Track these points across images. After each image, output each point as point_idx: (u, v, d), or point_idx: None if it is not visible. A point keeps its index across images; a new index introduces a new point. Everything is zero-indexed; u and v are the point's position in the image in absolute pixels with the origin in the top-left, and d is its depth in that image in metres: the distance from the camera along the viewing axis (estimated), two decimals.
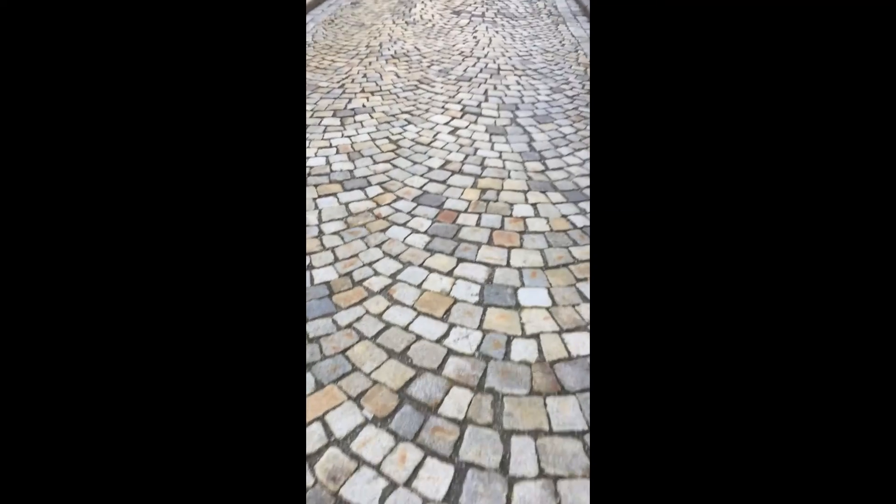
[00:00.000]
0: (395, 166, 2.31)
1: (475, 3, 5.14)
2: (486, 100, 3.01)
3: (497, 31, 4.28)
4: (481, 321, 1.49)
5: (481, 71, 3.44)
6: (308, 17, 4.83)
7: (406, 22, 4.57)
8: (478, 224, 1.92)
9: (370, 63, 3.61)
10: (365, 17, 4.77)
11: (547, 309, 1.54)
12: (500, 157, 2.40)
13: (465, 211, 1.99)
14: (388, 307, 1.54)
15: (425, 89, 3.16)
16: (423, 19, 4.64)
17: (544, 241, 1.83)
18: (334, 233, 1.87)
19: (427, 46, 3.93)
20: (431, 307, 1.54)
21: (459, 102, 2.97)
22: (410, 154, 2.41)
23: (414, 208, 2.01)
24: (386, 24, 4.51)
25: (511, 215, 1.97)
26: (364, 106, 2.94)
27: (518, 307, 1.54)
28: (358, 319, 1.49)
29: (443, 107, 2.91)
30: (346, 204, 2.04)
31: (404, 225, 1.91)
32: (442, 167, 2.30)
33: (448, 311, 1.52)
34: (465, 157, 2.38)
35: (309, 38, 4.20)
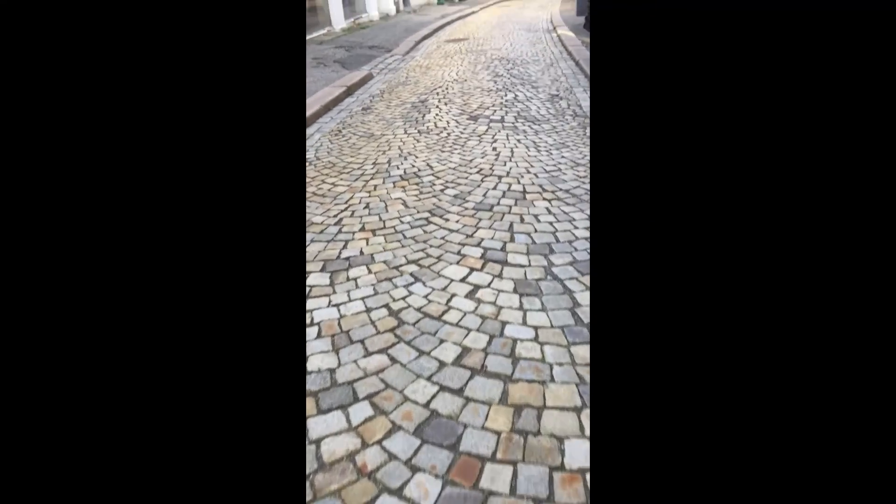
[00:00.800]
0: (393, 360, 1.70)
1: (493, 105, 4.78)
2: (512, 239, 2.44)
3: (519, 140, 3.84)
4: None
5: (504, 195, 2.91)
6: (315, 127, 4.51)
7: (419, 131, 4.19)
8: (513, 490, 1.24)
9: (375, 187, 3.13)
10: (375, 125, 4.43)
11: None
12: (535, 337, 1.77)
13: (493, 458, 1.33)
14: None
15: (437, 224, 2.62)
16: (438, 127, 4.25)
17: None
18: None
19: (441, 163, 3.47)
20: None
21: (479, 244, 2.40)
22: (415, 337, 1.80)
23: (416, 450, 1.36)
24: (397, 135, 4.12)
25: (563, 466, 1.30)
26: (362, 252, 2.39)
27: None
28: None
29: (459, 252, 2.35)
30: (318, 443, 1.41)
31: (400, 493, 1.25)
32: (457, 362, 1.67)
33: None
34: (489, 342, 1.76)
35: (311, 154, 3.81)
